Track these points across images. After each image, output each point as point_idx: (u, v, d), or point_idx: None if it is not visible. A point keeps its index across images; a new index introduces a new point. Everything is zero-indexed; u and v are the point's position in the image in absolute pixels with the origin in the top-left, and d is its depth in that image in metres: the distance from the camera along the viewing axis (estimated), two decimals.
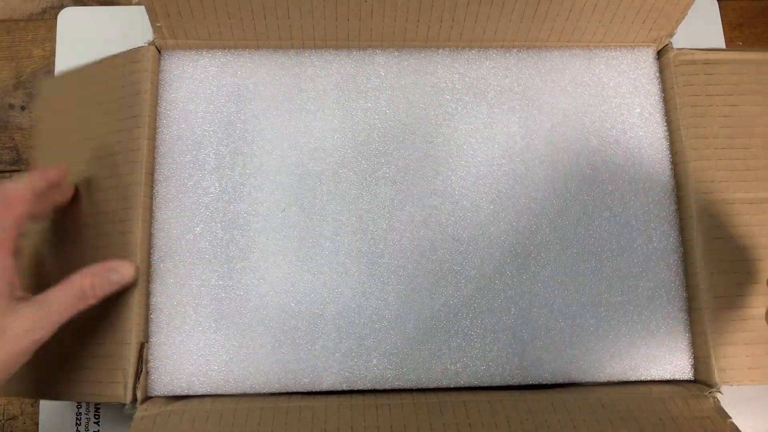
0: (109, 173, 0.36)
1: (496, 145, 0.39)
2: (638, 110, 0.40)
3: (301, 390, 0.36)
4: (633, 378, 0.37)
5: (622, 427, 0.32)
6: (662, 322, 0.37)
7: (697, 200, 0.37)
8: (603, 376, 0.36)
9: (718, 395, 0.35)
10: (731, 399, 0.35)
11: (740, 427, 0.33)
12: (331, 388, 0.36)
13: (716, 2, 0.45)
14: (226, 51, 0.39)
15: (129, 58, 0.37)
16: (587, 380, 0.37)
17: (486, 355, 0.36)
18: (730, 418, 0.33)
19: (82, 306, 0.30)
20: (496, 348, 0.36)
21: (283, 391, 0.36)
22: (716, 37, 0.44)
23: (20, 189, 0.30)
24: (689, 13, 0.38)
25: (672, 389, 0.36)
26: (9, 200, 0.29)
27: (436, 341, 0.36)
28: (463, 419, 0.33)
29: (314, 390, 0.36)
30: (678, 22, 0.38)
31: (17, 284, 0.29)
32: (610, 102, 0.40)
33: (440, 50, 0.40)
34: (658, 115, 0.40)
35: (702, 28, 0.44)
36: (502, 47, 0.40)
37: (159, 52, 0.39)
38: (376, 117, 0.39)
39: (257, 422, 0.32)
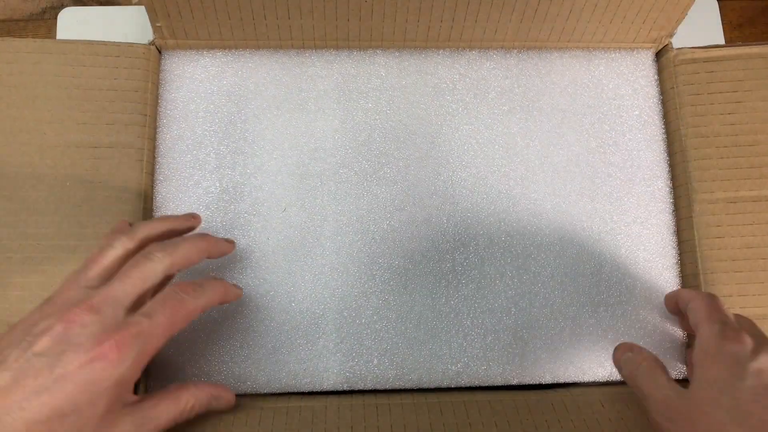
0: (108, 173, 0.36)
1: (497, 146, 0.39)
2: (636, 112, 0.40)
3: (301, 390, 0.36)
4: None
5: (622, 427, 0.32)
6: (660, 323, 0.37)
7: (698, 200, 0.37)
8: (603, 376, 0.37)
9: None
10: None
11: None
12: (332, 389, 0.36)
13: (716, 2, 0.45)
14: (226, 51, 0.39)
15: (128, 55, 0.37)
16: (587, 380, 0.37)
17: (487, 355, 0.36)
18: None
19: (174, 424, 0.29)
20: (496, 348, 0.36)
21: (283, 392, 0.36)
22: (716, 38, 0.44)
23: (198, 306, 0.29)
24: (689, 13, 0.38)
25: None
26: (177, 316, 0.28)
27: (437, 341, 0.36)
28: (463, 419, 0.33)
29: (314, 390, 0.36)
30: (678, 22, 0.38)
31: (132, 388, 0.28)
32: (609, 104, 0.40)
33: (441, 51, 0.40)
34: (656, 117, 0.40)
35: (702, 28, 0.44)
36: (502, 48, 0.40)
37: (159, 52, 0.39)
38: (377, 117, 0.39)
39: (257, 422, 0.32)
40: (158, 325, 0.27)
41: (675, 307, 0.35)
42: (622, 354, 0.32)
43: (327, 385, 0.36)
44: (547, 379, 0.37)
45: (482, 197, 0.38)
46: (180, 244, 0.30)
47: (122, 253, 0.29)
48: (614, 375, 0.37)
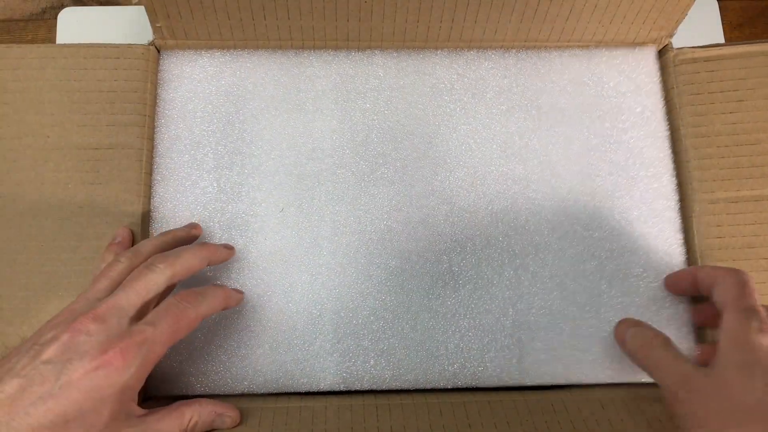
0: (109, 174, 0.36)
1: (495, 146, 0.39)
2: (639, 109, 0.39)
3: (298, 390, 0.36)
4: (633, 381, 0.36)
5: (622, 429, 0.32)
6: (664, 325, 0.37)
7: (698, 199, 0.37)
8: (603, 378, 0.36)
9: None
10: None
11: None
12: (329, 389, 0.36)
13: (716, 2, 0.45)
14: (225, 51, 0.39)
15: (127, 56, 0.37)
16: (587, 382, 0.36)
17: (484, 356, 0.36)
18: None
19: None
20: (494, 349, 0.36)
21: (280, 392, 0.36)
22: (716, 38, 0.44)
23: (200, 315, 0.30)
24: (689, 13, 0.38)
25: None
26: (179, 325, 0.29)
27: (433, 342, 0.36)
28: (463, 420, 0.33)
29: (311, 390, 0.36)
30: (678, 22, 0.38)
31: (137, 399, 0.29)
32: (609, 101, 0.39)
33: (439, 51, 0.40)
34: (659, 114, 0.39)
35: (702, 28, 0.44)
36: (501, 47, 0.40)
37: (159, 52, 0.39)
38: (375, 117, 0.39)
39: (257, 422, 0.32)
40: (161, 333, 0.28)
41: (690, 286, 0.34)
42: (627, 328, 0.33)
43: (324, 386, 0.36)
44: (546, 380, 0.36)
45: (480, 197, 0.38)
46: (181, 254, 0.31)
47: (128, 268, 0.30)
48: (615, 377, 0.36)
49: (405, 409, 0.33)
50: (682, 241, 0.38)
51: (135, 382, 0.27)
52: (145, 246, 0.32)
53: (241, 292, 0.35)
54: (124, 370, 0.26)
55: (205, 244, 0.34)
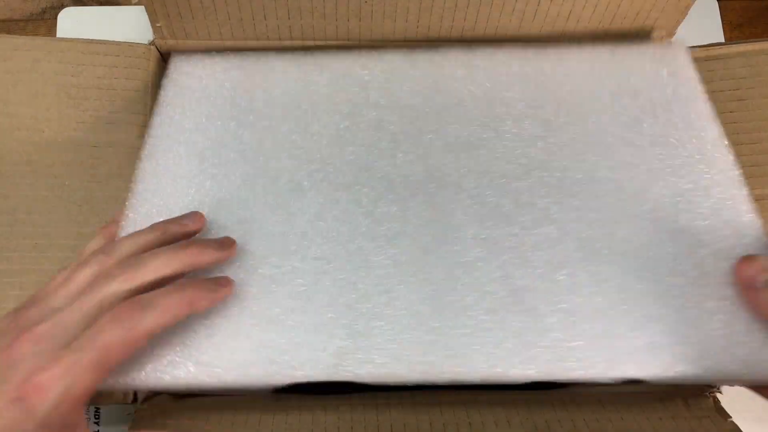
0: (108, 173, 0.36)
1: (509, 125, 0.36)
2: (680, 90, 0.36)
3: (284, 386, 0.32)
4: (701, 381, 0.31)
5: (622, 427, 0.32)
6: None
7: None
8: (636, 373, 0.31)
9: (718, 395, 0.35)
10: (731, 398, 0.34)
11: (741, 427, 0.33)
12: (313, 379, 0.31)
13: (716, 2, 0.45)
14: (226, 51, 0.39)
15: (128, 54, 0.37)
16: (633, 376, 0.30)
17: (502, 347, 0.31)
18: (730, 417, 0.33)
19: None
20: (510, 339, 0.31)
21: (266, 387, 0.32)
22: (716, 37, 0.44)
23: (140, 334, 0.26)
24: (689, 13, 0.38)
25: (671, 388, 0.35)
26: (111, 350, 0.25)
27: (442, 336, 0.31)
28: (463, 419, 0.32)
29: (299, 382, 0.31)
30: (678, 22, 0.38)
31: (78, 423, 0.26)
32: (642, 82, 0.37)
33: (449, 47, 0.38)
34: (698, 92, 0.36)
35: (702, 28, 0.44)
36: (516, 39, 0.38)
37: (159, 52, 0.39)
38: (374, 113, 0.37)
39: (257, 422, 0.32)
40: (88, 362, 0.25)
41: None
42: (761, 270, 0.28)
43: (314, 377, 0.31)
44: (579, 376, 0.30)
45: (493, 177, 0.35)
46: (149, 263, 0.27)
47: (97, 274, 0.27)
48: (685, 373, 0.30)
49: (405, 408, 0.33)
50: (757, 208, 0.32)
51: (58, 414, 0.24)
52: (120, 247, 0.28)
53: (225, 285, 0.29)
54: (39, 406, 0.24)
55: (188, 244, 0.29)
